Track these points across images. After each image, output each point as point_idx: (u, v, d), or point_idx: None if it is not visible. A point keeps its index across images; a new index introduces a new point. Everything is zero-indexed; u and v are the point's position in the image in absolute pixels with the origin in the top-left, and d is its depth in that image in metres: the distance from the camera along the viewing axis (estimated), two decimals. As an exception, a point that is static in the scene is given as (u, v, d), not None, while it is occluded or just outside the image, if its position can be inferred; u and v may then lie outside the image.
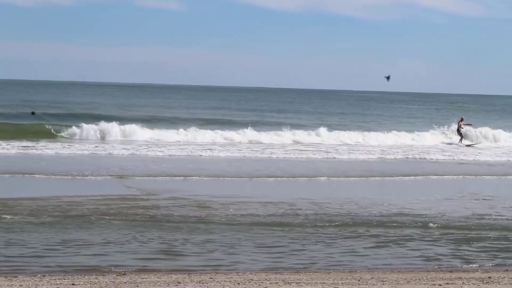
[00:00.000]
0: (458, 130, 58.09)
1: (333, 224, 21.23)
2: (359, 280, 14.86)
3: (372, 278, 15.18)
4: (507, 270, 16.62)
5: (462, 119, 59.33)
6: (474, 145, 55.79)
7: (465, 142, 57.00)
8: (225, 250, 17.82)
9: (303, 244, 18.66)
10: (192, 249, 17.85)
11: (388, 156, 44.71)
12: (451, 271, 16.25)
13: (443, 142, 57.39)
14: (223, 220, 21.56)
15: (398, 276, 15.49)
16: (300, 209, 23.65)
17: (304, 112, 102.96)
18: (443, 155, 46.78)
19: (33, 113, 76.07)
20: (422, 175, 35.26)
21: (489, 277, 15.38)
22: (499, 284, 14.60)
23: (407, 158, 44.53)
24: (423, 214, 23.33)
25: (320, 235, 19.73)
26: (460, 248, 18.75)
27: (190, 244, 18.35)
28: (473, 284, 14.52)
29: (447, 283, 14.50)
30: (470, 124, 59.96)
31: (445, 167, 39.73)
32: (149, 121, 63.84)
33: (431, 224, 21.57)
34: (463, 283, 14.64)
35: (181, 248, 17.92)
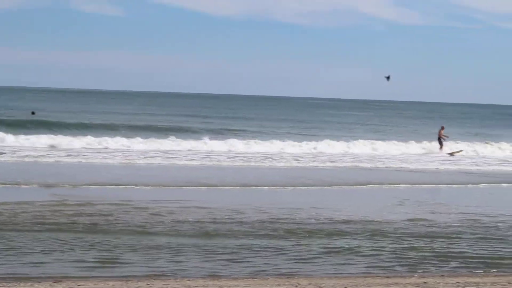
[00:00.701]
0: (439, 139, 58.09)
1: (278, 232, 21.28)
2: (296, 286, 14.90)
3: (309, 284, 15.23)
4: (443, 275, 16.82)
5: (442, 128, 59.25)
6: (456, 154, 55.95)
7: (446, 150, 56.99)
8: (168, 258, 17.71)
9: (248, 251, 18.62)
10: (133, 256, 17.70)
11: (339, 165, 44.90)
12: (387, 277, 16.38)
13: (423, 148, 57.59)
14: (167, 227, 21.43)
15: (336, 282, 15.57)
16: (248, 216, 23.61)
17: (244, 118, 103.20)
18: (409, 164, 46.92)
19: (33, 113, 75.46)
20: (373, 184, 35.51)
21: (425, 283, 15.55)
22: (435, 290, 14.78)
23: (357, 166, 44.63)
24: (368, 221, 23.50)
25: (265, 243, 19.76)
26: (399, 254, 18.91)
27: (132, 251, 18.19)
28: (409, 289, 14.67)
29: (384, 289, 14.64)
30: (447, 136, 59.55)
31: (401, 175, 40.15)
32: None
33: (372, 231, 21.78)
34: (399, 289, 14.78)
35: (122, 255, 17.75)
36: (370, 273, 16.89)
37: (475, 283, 15.70)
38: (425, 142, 60.46)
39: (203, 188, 31.06)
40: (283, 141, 57.29)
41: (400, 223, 23.48)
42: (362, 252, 18.94)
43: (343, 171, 41.01)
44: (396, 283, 15.43)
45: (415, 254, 18.90)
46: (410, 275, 16.69)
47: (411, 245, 19.98)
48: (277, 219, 23.28)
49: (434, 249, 19.58)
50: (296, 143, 56.20)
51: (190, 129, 74.50)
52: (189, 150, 50.26)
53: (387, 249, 19.39)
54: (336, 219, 23.71)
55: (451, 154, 55.55)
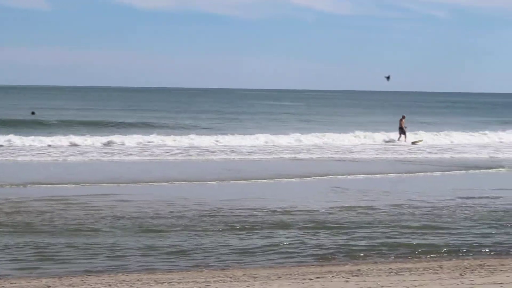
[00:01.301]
0: (401, 128, 57.75)
1: (217, 225, 21.30)
2: (231, 278, 14.94)
3: (244, 275, 15.28)
4: (375, 262, 17.02)
5: (403, 117, 58.84)
6: (418, 143, 55.92)
7: (409, 139, 56.83)
8: (106, 254, 17.58)
9: (188, 245, 18.59)
10: (72, 254, 17.52)
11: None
12: (321, 265, 16.51)
13: (384, 141, 56.92)
14: (106, 223, 21.27)
15: (270, 272, 15.64)
16: (188, 210, 23.55)
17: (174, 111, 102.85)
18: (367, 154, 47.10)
19: (33, 113, 74.17)
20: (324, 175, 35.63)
21: (358, 270, 15.71)
22: (367, 276, 14.92)
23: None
24: (305, 211, 23.64)
25: (201, 235, 19.75)
26: (335, 242, 19.06)
27: (71, 248, 18.02)
28: (342, 277, 14.79)
29: (317, 277, 14.73)
30: (406, 127, 58.91)
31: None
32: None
33: (309, 220, 21.92)
34: (333, 276, 14.89)
35: (60, 253, 17.57)
36: (304, 262, 17.00)
37: (407, 268, 15.91)
38: (369, 132, 60.24)
39: (141, 184, 30.83)
40: (216, 135, 56.64)
41: (339, 212, 23.64)
42: (298, 242, 19.04)
43: (284, 163, 41.02)
44: (330, 271, 15.55)
45: (353, 243, 19.08)
46: (344, 263, 16.85)
47: (348, 234, 20.15)
48: (217, 213, 23.25)
49: (370, 237, 19.78)
50: (231, 136, 55.59)
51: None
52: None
53: (322, 238, 19.52)
54: (274, 210, 23.76)
55: (414, 143, 55.71)
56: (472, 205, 25.35)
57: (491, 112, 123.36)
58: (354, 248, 18.45)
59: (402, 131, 57.70)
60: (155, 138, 52.29)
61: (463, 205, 25.34)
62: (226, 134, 56.84)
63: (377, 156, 46.00)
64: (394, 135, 58.25)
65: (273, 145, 51.20)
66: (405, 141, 56.60)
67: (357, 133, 59.26)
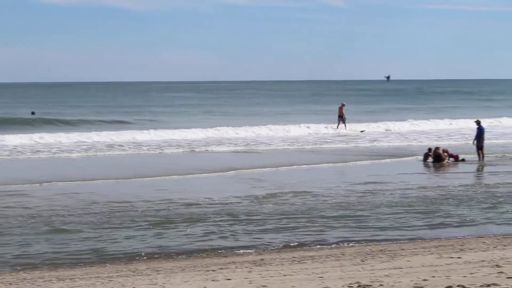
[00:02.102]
0: (340, 116, 57.40)
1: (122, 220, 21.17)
2: (134, 272, 14.87)
3: (147, 268, 15.23)
4: (279, 251, 17.17)
5: (343, 105, 58.65)
6: (363, 132, 55.74)
7: (355, 128, 56.74)
8: (14, 252, 17.31)
9: (97, 240, 18.44)
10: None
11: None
12: (225, 256, 16.59)
13: (334, 129, 56.39)
14: (15, 221, 20.89)
15: (174, 264, 15.64)
16: (101, 207, 23.28)
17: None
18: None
19: (33, 113, 71.56)
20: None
21: (262, 259, 15.82)
22: (270, 265, 15.02)
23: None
24: (210, 205, 23.68)
25: (114, 231, 19.61)
26: (242, 233, 19.17)
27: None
28: (245, 267, 14.86)
29: (221, 268, 14.77)
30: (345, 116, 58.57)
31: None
32: None
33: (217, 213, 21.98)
34: (236, 267, 14.95)
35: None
36: (207, 253, 17.06)
37: (310, 256, 16.10)
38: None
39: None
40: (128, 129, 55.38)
41: (248, 204, 23.75)
42: (205, 234, 19.09)
43: (199, 157, 40.88)
44: (233, 262, 15.63)
45: (260, 233, 19.23)
46: (248, 253, 16.95)
47: (255, 224, 20.30)
48: (131, 208, 23.05)
49: (277, 227, 19.96)
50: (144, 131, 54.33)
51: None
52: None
53: (229, 229, 19.61)
54: (189, 203, 23.72)
55: (363, 131, 55.83)
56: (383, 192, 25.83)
57: (409, 99, 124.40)
58: (260, 238, 18.61)
59: (341, 119, 57.66)
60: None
61: (374, 192, 25.79)
62: (133, 129, 55.82)
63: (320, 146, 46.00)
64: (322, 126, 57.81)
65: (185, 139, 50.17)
66: (345, 129, 56.72)
67: (303, 125, 58.46)
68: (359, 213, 21.94)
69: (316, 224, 20.28)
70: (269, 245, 17.91)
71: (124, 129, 54.84)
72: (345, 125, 57.21)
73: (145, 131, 52.49)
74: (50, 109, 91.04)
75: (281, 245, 17.85)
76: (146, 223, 20.54)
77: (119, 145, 44.80)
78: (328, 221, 20.74)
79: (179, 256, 16.86)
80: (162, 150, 42.74)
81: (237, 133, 53.28)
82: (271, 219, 20.96)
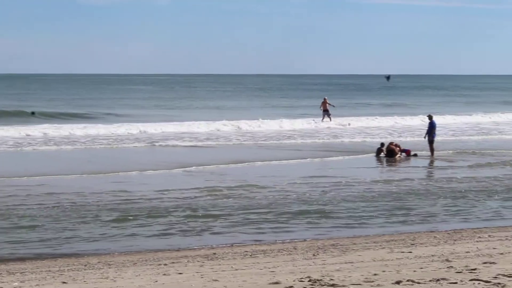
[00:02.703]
0: (326, 110, 57.60)
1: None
2: (85, 265, 14.79)
3: (99, 262, 15.17)
4: (232, 245, 17.19)
5: (325, 99, 58.84)
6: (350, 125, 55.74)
7: (336, 121, 56.74)
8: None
9: (49, 233, 18.30)
10: None
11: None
12: (178, 250, 16.56)
13: (315, 122, 56.37)
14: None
15: (125, 258, 15.57)
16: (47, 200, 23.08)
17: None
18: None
19: (33, 113, 70.20)
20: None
21: (214, 254, 15.83)
22: (222, 259, 15.03)
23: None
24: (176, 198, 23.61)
25: (64, 223, 19.45)
26: (190, 227, 19.15)
27: None
28: (197, 261, 14.85)
29: (173, 262, 14.75)
30: (333, 105, 59.41)
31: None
32: None
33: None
34: (188, 261, 14.93)
35: None
36: (160, 247, 17.02)
37: (262, 250, 16.14)
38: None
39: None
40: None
41: (198, 198, 23.73)
42: (154, 228, 19.04)
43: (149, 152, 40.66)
44: (185, 256, 15.61)
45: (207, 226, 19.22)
46: (200, 247, 16.94)
47: (212, 218, 20.31)
48: (83, 203, 22.90)
49: (226, 221, 19.98)
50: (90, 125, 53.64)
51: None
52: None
53: (178, 224, 19.59)
54: (149, 198, 23.64)
55: (349, 124, 55.80)
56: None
57: (372, 94, 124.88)
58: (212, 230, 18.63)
59: (326, 113, 57.83)
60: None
61: (329, 187, 25.92)
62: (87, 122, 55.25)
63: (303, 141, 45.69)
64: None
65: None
66: (330, 121, 56.88)
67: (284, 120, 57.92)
68: (315, 207, 22.05)
69: (271, 219, 20.35)
70: (222, 239, 17.94)
71: (76, 122, 54.30)
72: (330, 118, 57.41)
73: (100, 125, 52.04)
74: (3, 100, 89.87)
75: (234, 239, 17.88)
76: (101, 217, 20.43)
77: (75, 140, 44.18)
78: (284, 216, 20.81)
79: (131, 250, 16.80)
80: (118, 144, 42.34)
81: (199, 127, 52.41)
82: (231, 214, 20.98)
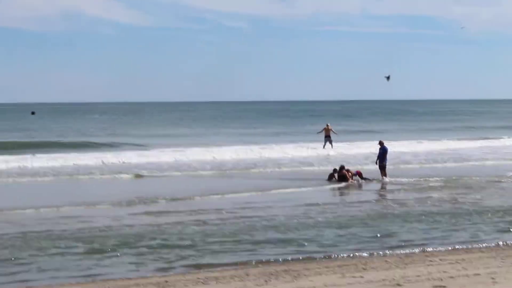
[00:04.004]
0: (328, 136, 57.33)
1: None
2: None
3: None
4: (184, 273, 17.10)
5: (328, 125, 58.79)
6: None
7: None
8: None
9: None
10: None
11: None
12: (129, 279, 16.42)
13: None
14: None
15: (76, 288, 15.43)
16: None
17: None
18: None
19: (33, 113, 69.12)
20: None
21: (166, 281, 15.74)
22: (174, 287, 14.97)
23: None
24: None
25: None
26: (146, 257, 19.03)
27: None
28: (149, 289, 14.78)
29: (123, 291, 14.65)
30: (336, 133, 59.18)
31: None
32: None
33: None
34: (139, 289, 14.86)
35: None
36: (110, 277, 16.89)
37: (215, 277, 16.09)
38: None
39: None
40: None
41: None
42: (108, 258, 18.90)
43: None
44: (137, 284, 15.50)
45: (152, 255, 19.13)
46: (152, 275, 16.83)
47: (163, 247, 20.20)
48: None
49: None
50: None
51: None
52: None
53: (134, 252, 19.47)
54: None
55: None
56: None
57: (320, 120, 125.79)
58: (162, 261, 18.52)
59: (328, 139, 57.49)
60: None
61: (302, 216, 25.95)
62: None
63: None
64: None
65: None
66: (331, 147, 56.76)
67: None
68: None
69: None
70: (175, 267, 17.85)
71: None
72: (331, 145, 57.08)
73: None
74: None
75: (188, 267, 17.81)
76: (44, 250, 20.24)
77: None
78: (230, 242, 20.79)
79: (84, 282, 16.62)
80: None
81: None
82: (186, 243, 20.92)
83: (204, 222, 23.81)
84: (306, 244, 20.43)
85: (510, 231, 22.40)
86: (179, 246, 19.98)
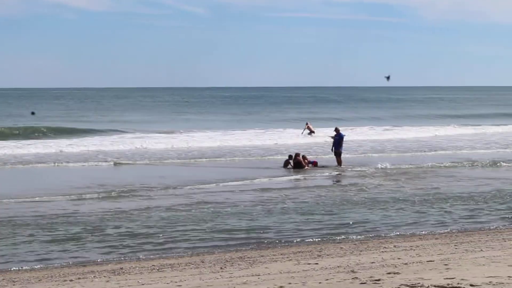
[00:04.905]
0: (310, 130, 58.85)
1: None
2: (-12, 283, 14.50)
3: (3, 279, 14.88)
4: (139, 259, 17.08)
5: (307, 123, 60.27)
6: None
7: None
8: None
9: None
10: None
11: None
12: (84, 265, 16.36)
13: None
14: None
15: (31, 274, 15.32)
16: None
17: None
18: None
19: (33, 113, 67.66)
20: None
21: (121, 268, 15.69)
22: (129, 274, 14.91)
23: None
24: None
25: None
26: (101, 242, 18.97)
27: None
28: (104, 276, 14.70)
29: (79, 278, 14.57)
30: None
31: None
32: None
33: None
34: (94, 276, 14.77)
35: None
36: (66, 262, 16.81)
37: (170, 264, 16.07)
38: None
39: None
40: None
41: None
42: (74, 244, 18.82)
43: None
44: (92, 271, 15.43)
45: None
46: (107, 262, 16.78)
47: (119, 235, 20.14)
48: None
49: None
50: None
51: None
52: None
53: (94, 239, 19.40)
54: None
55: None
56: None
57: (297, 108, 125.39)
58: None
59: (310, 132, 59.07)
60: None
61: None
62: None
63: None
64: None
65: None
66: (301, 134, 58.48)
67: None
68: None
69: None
70: (129, 253, 17.82)
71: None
72: (310, 134, 58.57)
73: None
74: None
75: (142, 254, 17.78)
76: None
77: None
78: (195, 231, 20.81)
79: (37, 266, 16.53)
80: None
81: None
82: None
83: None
84: (262, 232, 20.53)
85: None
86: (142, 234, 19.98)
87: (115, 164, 39.21)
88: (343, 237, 19.90)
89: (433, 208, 24.37)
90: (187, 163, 40.14)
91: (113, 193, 27.52)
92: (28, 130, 61.83)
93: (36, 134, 58.91)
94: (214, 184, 30.30)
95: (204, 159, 41.83)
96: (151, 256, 17.51)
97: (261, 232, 20.44)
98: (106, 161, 40.14)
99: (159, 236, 19.59)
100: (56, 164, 38.59)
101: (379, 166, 36.40)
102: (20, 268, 16.35)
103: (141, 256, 17.50)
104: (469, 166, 37.61)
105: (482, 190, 28.43)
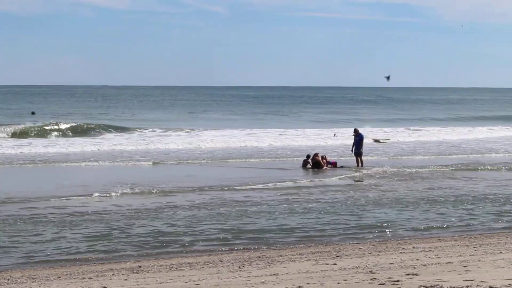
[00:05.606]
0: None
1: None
2: (8, 279, 14.57)
3: (22, 276, 14.95)
4: (157, 258, 17.10)
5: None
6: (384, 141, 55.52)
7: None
8: None
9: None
10: None
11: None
12: (103, 263, 16.41)
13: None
14: None
15: (49, 272, 15.38)
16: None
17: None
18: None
19: (33, 113, 68.40)
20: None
21: (139, 267, 15.72)
22: (148, 272, 14.95)
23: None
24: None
25: None
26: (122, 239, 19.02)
27: None
28: (122, 274, 14.74)
29: (97, 276, 14.61)
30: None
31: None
32: None
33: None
34: (113, 274, 14.82)
35: None
36: (85, 260, 16.87)
37: (188, 263, 16.08)
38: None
39: None
40: None
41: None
42: (88, 240, 18.88)
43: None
44: (111, 269, 15.47)
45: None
46: (126, 260, 16.82)
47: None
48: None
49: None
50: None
51: None
52: None
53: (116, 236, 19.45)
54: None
55: (377, 141, 54.92)
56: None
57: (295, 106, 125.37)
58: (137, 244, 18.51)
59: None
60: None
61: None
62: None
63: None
64: None
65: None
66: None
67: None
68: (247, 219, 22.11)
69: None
70: (148, 251, 17.85)
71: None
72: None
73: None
74: None
75: (160, 252, 17.81)
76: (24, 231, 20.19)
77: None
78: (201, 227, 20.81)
79: (57, 264, 16.58)
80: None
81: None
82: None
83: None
84: (279, 232, 20.52)
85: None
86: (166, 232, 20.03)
87: (154, 163, 39.27)
88: (361, 237, 19.86)
89: (455, 209, 24.25)
90: (212, 164, 39.89)
91: (137, 189, 27.68)
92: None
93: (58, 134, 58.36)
94: (237, 184, 30.27)
95: (231, 160, 41.60)
96: (170, 255, 17.53)
97: (281, 232, 20.43)
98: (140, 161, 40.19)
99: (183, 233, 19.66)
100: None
101: (402, 168, 36.39)
102: (39, 264, 16.43)
103: (159, 254, 17.53)
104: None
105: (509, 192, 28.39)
